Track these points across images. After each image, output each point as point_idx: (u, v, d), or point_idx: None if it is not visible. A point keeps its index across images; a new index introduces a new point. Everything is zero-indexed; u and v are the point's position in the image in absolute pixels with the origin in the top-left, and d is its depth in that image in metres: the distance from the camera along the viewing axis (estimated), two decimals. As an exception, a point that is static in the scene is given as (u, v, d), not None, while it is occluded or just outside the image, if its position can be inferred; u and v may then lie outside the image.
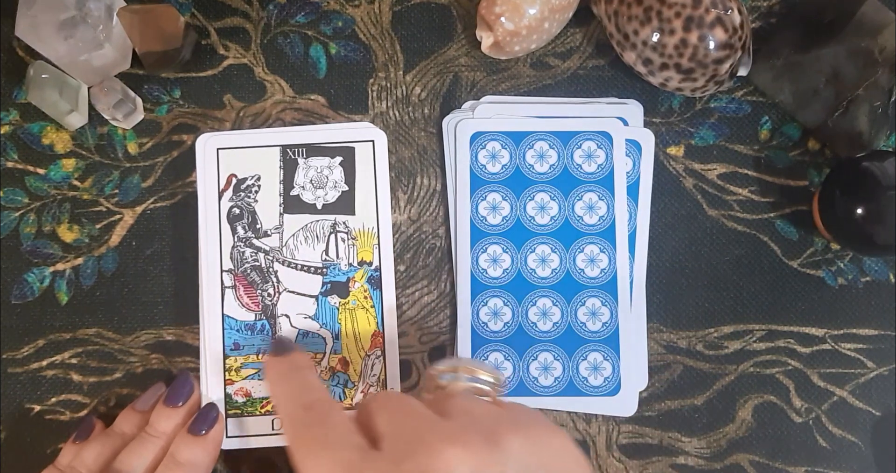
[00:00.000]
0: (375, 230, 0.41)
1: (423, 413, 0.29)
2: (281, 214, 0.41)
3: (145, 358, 0.42)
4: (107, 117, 0.42)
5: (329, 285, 0.41)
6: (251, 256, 0.41)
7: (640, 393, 0.42)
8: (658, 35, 0.39)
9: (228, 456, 0.41)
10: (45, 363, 0.42)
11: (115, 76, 0.43)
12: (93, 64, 0.42)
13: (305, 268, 0.41)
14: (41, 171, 0.43)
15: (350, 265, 0.41)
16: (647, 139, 0.43)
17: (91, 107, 0.43)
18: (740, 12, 0.40)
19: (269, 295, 0.41)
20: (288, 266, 0.41)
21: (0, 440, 0.41)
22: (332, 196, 0.41)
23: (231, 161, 0.41)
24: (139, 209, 0.43)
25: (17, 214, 0.43)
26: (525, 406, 0.31)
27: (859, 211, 0.39)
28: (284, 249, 0.41)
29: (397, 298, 0.43)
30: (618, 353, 0.42)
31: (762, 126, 0.45)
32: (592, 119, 0.43)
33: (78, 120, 0.43)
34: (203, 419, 0.38)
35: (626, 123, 0.43)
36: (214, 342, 0.40)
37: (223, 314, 0.40)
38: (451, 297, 0.43)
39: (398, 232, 0.43)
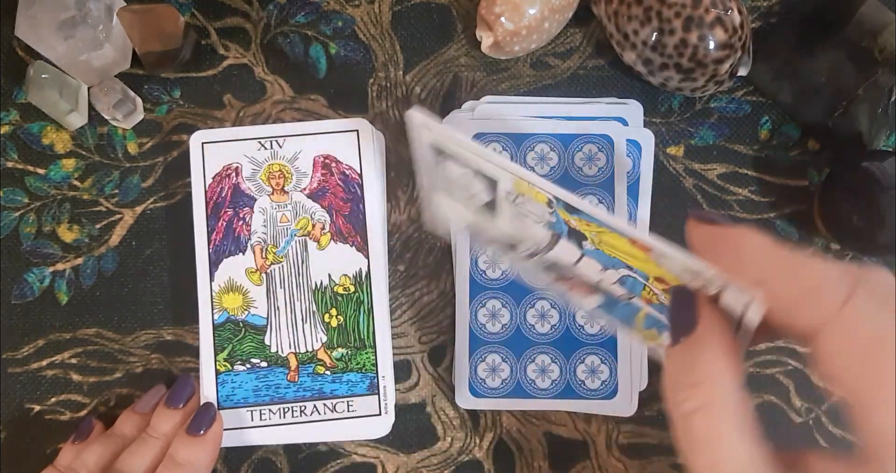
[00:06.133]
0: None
1: None
2: None
3: (145, 358, 0.42)
4: (107, 117, 0.42)
5: None
6: None
7: (641, 392, 0.42)
8: (658, 35, 0.39)
9: (229, 456, 0.41)
10: (45, 363, 0.42)
11: (115, 76, 0.43)
12: (93, 64, 0.42)
13: None
14: (41, 171, 0.43)
15: None
16: (647, 139, 0.43)
17: (91, 107, 0.43)
18: (740, 12, 0.39)
19: None
20: None
21: (0, 440, 0.41)
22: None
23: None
24: (139, 209, 0.43)
25: (17, 214, 0.43)
26: None
27: (859, 210, 0.39)
28: None
29: (397, 298, 0.43)
30: (615, 357, 0.42)
31: (762, 126, 0.45)
32: (594, 121, 0.43)
33: (78, 120, 0.43)
34: (201, 418, 0.38)
35: (625, 123, 0.43)
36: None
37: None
38: (452, 297, 0.43)
39: (398, 232, 0.43)
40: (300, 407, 0.40)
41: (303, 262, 0.41)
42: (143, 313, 0.42)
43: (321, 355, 0.41)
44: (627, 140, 0.43)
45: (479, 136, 0.43)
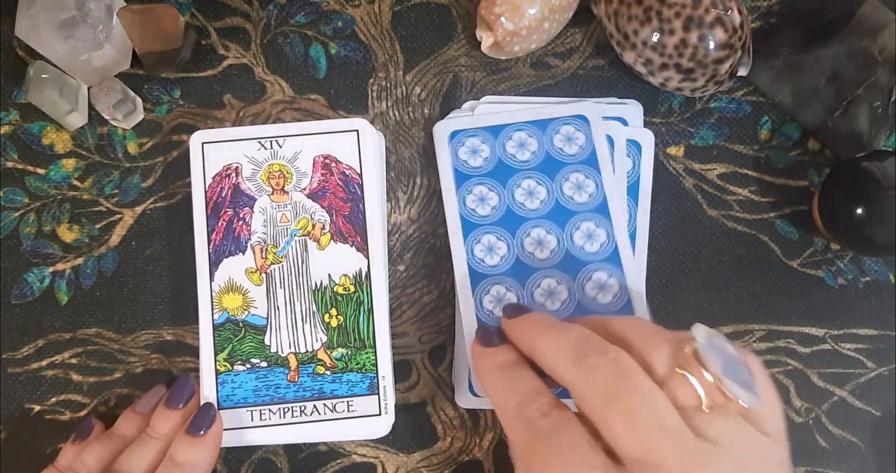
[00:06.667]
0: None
1: (678, 428, 0.26)
2: None
3: (145, 358, 0.42)
4: (107, 117, 0.42)
5: None
6: None
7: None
8: (658, 35, 0.39)
9: (229, 456, 0.41)
10: (45, 363, 0.42)
11: (115, 76, 0.43)
12: (93, 64, 0.42)
13: None
14: (41, 171, 0.43)
15: None
16: (647, 139, 0.43)
17: (91, 107, 0.43)
18: (740, 12, 0.40)
19: None
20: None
21: (0, 440, 0.41)
22: None
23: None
24: (139, 209, 0.43)
25: (17, 214, 0.43)
26: (779, 446, 0.28)
27: (859, 211, 0.39)
28: None
29: (397, 298, 0.43)
30: None
31: (762, 126, 0.45)
32: (568, 104, 0.43)
33: (78, 120, 0.43)
34: (201, 419, 0.38)
35: (625, 123, 0.43)
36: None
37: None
38: (452, 297, 0.43)
39: (398, 232, 0.43)
40: (300, 407, 0.40)
41: (303, 262, 0.41)
42: (143, 313, 0.42)
43: (321, 355, 0.41)
44: (627, 140, 0.43)
45: (455, 133, 0.43)
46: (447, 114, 0.44)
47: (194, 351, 0.42)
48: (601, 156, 0.42)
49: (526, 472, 0.28)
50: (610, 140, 0.43)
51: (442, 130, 0.43)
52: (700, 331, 0.29)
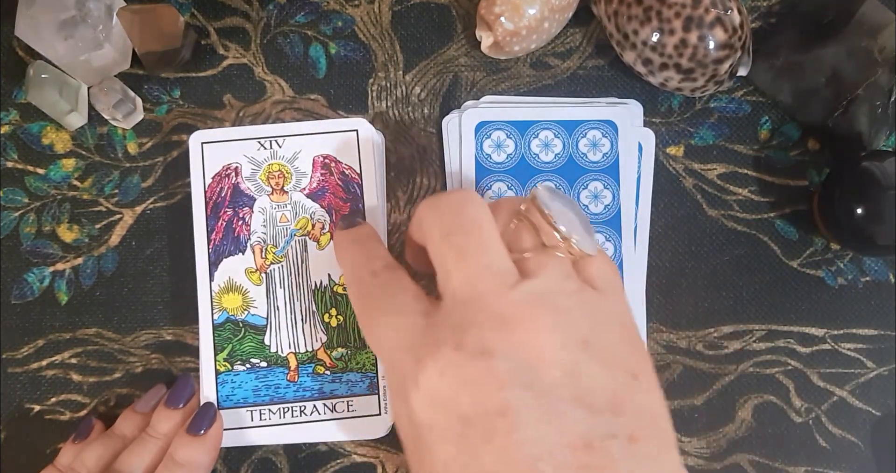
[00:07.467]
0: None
1: (506, 270, 0.27)
2: None
3: (145, 358, 0.42)
4: (107, 117, 0.42)
5: None
6: None
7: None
8: (658, 35, 0.39)
9: (229, 456, 0.42)
10: (44, 363, 0.42)
11: (115, 76, 0.43)
12: (93, 64, 0.42)
13: None
14: (41, 171, 0.43)
15: None
16: (648, 139, 0.43)
17: (91, 107, 0.43)
18: (740, 12, 0.39)
19: None
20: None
21: (0, 440, 0.41)
22: None
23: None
24: (139, 209, 0.43)
25: (16, 214, 0.43)
26: (611, 300, 0.29)
27: (859, 211, 0.39)
28: None
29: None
30: None
31: (762, 126, 0.45)
32: (598, 108, 0.43)
33: (78, 120, 0.43)
34: (201, 418, 0.38)
35: (616, 129, 0.43)
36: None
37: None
38: (451, 297, 0.43)
39: (398, 232, 0.43)
40: (300, 407, 0.40)
41: (302, 262, 0.41)
42: (143, 313, 0.43)
43: (321, 355, 0.41)
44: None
45: (482, 125, 0.43)
46: (447, 114, 0.44)
47: (194, 351, 0.42)
48: (623, 167, 0.42)
49: (362, 327, 0.31)
50: (640, 148, 0.43)
51: (468, 119, 0.43)
52: (543, 185, 0.31)
